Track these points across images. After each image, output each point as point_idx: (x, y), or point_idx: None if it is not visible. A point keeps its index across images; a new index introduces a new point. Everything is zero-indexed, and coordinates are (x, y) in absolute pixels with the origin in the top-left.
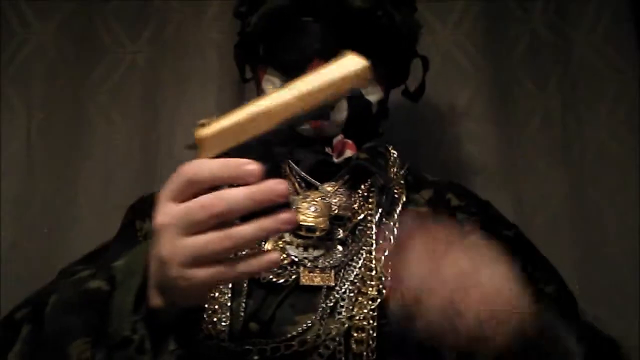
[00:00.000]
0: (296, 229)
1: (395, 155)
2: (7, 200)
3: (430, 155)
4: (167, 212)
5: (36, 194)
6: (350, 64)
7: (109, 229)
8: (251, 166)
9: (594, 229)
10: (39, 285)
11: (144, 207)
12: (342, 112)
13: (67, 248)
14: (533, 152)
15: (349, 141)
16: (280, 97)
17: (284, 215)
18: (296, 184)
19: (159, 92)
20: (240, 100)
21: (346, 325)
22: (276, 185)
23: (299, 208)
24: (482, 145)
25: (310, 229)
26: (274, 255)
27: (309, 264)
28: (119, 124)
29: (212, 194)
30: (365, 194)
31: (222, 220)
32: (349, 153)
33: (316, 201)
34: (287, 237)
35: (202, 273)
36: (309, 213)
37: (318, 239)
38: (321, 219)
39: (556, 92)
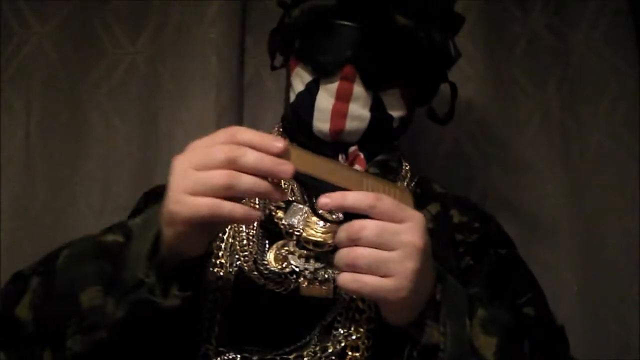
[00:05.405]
0: (304, 242)
1: (407, 168)
2: (7, 201)
3: (429, 156)
4: (188, 151)
5: (36, 194)
6: (400, 192)
7: None
8: (280, 143)
9: (594, 229)
10: None
11: (157, 195)
12: (363, 122)
13: None
14: (532, 152)
15: (361, 155)
16: (352, 174)
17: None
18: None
19: (158, 93)
20: (239, 100)
21: (342, 344)
22: (282, 165)
23: (308, 222)
24: (481, 146)
25: (317, 244)
26: (257, 213)
27: (309, 275)
28: (118, 125)
29: (232, 144)
30: None
31: (232, 168)
32: (357, 168)
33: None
34: (291, 246)
35: (194, 201)
36: (317, 228)
37: (321, 251)
38: (330, 234)
39: (555, 92)
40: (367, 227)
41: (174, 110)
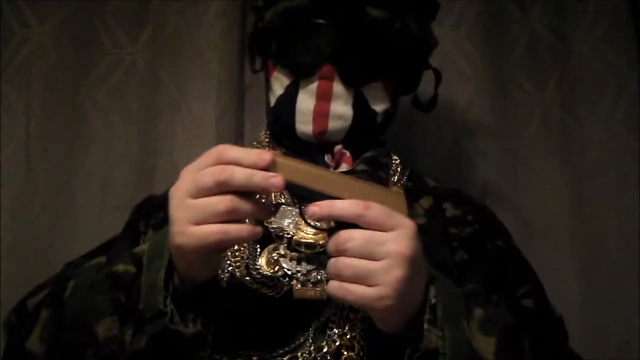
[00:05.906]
0: (296, 245)
1: (397, 162)
2: (7, 200)
3: (429, 156)
4: (181, 180)
5: (36, 194)
6: (394, 196)
7: (108, 229)
8: (267, 155)
9: (594, 229)
10: None
11: (150, 208)
12: (346, 120)
13: (67, 248)
14: (532, 152)
15: (347, 153)
16: (342, 180)
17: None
18: (293, 194)
19: (158, 93)
20: (239, 100)
21: (337, 344)
22: (272, 179)
23: (299, 224)
24: (481, 146)
25: (309, 246)
26: (260, 229)
27: (301, 277)
28: (118, 125)
29: (218, 166)
30: None
31: (224, 190)
32: (344, 167)
33: None
34: (282, 249)
35: (200, 231)
36: (308, 230)
37: (313, 253)
38: (321, 235)
39: (555, 92)
40: (352, 239)
41: (174, 110)
